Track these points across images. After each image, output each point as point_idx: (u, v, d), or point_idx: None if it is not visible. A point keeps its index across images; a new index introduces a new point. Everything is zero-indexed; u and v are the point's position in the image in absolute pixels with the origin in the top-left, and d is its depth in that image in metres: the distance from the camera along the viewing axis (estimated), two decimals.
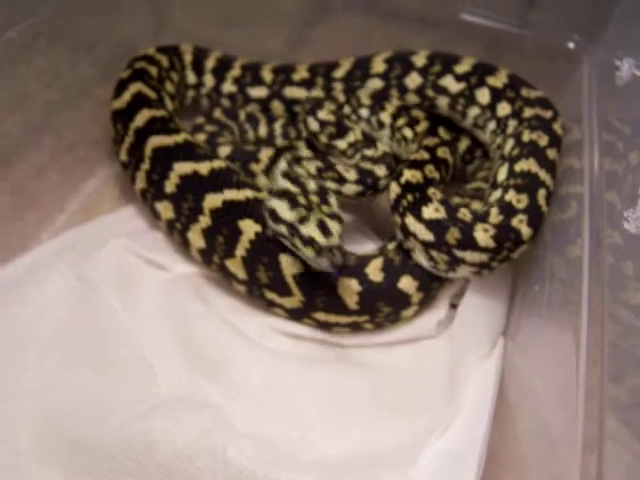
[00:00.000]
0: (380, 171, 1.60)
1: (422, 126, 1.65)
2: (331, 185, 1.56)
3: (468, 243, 1.42)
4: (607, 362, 1.23)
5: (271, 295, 1.48)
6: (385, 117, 1.72)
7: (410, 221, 1.45)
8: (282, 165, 1.54)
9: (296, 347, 1.49)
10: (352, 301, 1.45)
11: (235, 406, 1.34)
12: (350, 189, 1.57)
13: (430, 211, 1.44)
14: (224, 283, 1.56)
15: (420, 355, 1.48)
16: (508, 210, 1.46)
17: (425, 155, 1.55)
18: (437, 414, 1.36)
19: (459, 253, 1.43)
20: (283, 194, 1.43)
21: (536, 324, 1.49)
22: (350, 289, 1.44)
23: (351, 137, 1.70)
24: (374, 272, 1.46)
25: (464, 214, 1.45)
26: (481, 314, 1.50)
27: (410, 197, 1.47)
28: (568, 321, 1.34)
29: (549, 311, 1.47)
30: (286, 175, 1.49)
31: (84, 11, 1.80)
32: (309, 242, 1.36)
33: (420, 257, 1.47)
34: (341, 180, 1.57)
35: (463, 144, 1.78)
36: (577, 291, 1.34)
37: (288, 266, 1.44)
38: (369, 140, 1.70)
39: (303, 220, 1.38)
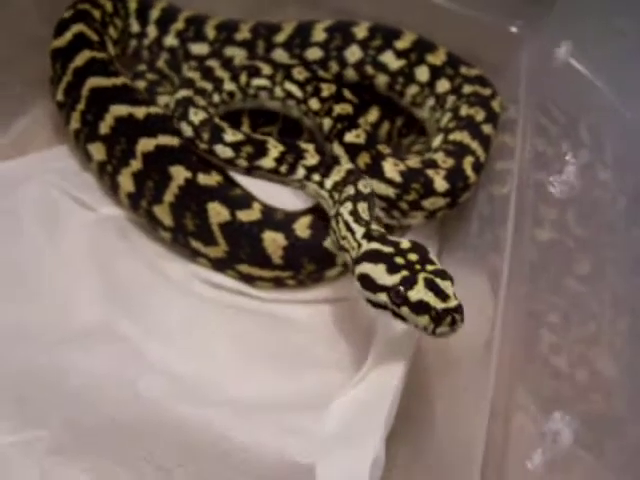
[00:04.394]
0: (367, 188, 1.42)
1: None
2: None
3: (375, 170, 1.47)
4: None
5: (196, 244, 1.47)
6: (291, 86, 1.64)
7: (335, 145, 1.52)
8: (347, 218, 1.34)
9: (218, 295, 1.48)
10: (276, 255, 1.44)
11: (150, 343, 1.33)
12: None
13: (352, 136, 1.51)
14: (150, 229, 1.54)
15: (339, 316, 1.48)
16: (430, 164, 1.51)
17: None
18: (352, 371, 1.36)
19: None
20: (374, 256, 1.26)
21: (462, 287, 1.51)
22: (275, 243, 1.44)
23: (274, 152, 1.47)
24: (301, 228, 1.45)
25: (384, 148, 1.51)
26: None
27: (340, 125, 1.53)
28: (491, 283, 1.38)
29: (475, 274, 1.49)
30: (367, 236, 1.30)
31: None
32: (422, 308, 1.18)
33: None
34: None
35: (400, 118, 1.77)
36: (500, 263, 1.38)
37: (215, 215, 1.43)
38: (321, 164, 1.47)
39: (408, 282, 1.20)
